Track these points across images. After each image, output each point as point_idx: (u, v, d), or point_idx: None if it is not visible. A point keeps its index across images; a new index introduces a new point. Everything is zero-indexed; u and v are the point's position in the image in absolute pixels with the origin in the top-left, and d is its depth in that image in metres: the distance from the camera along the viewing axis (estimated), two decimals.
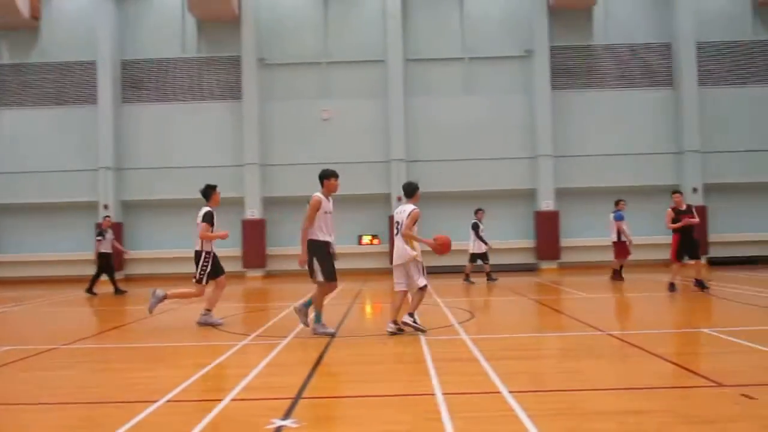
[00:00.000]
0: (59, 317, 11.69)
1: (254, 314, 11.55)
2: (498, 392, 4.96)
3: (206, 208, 9.13)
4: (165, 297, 9.15)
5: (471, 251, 15.66)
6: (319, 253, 7.79)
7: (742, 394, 4.70)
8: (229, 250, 21.03)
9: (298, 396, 5.00)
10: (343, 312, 10.62)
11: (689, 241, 12.07)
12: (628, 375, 5.66)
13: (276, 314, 10.46)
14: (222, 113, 21.66)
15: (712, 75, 21.35)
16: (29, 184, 21.38)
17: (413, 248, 7.76)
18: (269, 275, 21.18)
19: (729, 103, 21.14)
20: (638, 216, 18.04)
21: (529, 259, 20.81)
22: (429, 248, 7.86)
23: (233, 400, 4.94)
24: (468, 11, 21.56)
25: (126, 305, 13.19)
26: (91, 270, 15.58)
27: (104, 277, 15.26)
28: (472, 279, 15.88)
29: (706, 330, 7.75)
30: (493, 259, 19.57)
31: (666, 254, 20.39)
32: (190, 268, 9.25)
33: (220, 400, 4.88)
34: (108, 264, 15.12)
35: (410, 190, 8.07)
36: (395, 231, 7.99)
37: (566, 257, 20.65)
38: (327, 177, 8.06)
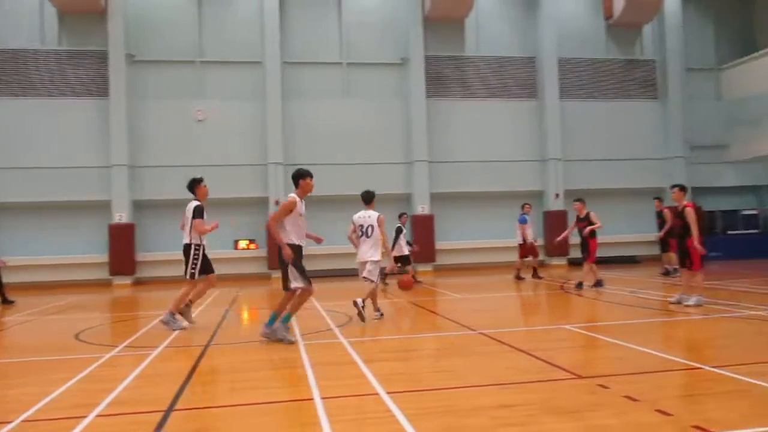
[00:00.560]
0: None
1: (122, 324, 10.92)
2: (376, 394, 5.03)
3: (195, 203, 9.00)
4: (173, 313, 8.97)
5: (393, 254, 15.85)
6: (297, 258, 7.48)
7: (599, 385, 5.10)
8: (94, 256, 19.85)
9: (170, 408, 4.80)
10: (218, 319, 10.32)
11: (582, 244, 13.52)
12: (499, 371, 5.95)
13: (146, 323, 9.96)
14: (87, 111, 20.28)
15: (572, 88, 22.98)
16: None
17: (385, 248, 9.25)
18: (139, 282, 20.11)
19: (586, 114, 22.84)
20: (507, 220, 18.97)
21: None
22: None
23: (99, 416, 4.65)
24: (346, 18, 21.74)
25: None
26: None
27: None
28: (418, 278, 16.73)
29: (567, 326, 8.31)
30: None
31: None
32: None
33: (83, 417, 4.58)
34: None
35: (369, 198, 9.35)
36: (360, 234, 9.26)
37: (441, 260, 21.33)
38: (303, 177, 7.70)
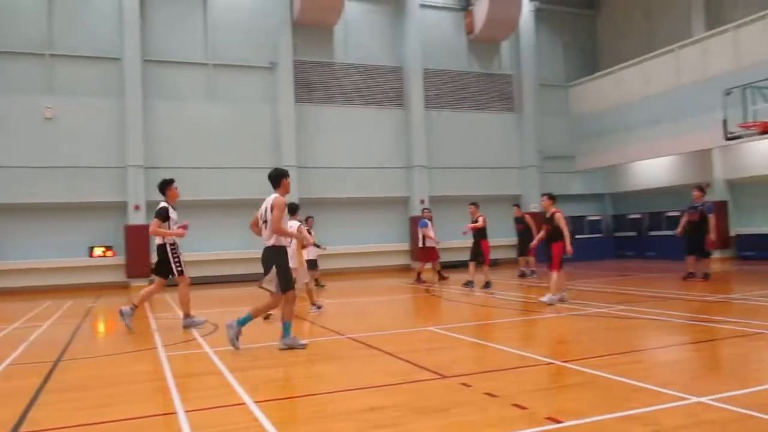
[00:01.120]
0: None
1: None
2: (243, 404, 4.92)
3: (162, 204, 8.98)
4: (187, 315, 9.05)
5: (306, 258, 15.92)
6: (284, 261, 7.31)
7: (462, 383, 5.32)
8: None
9: (15, 431, 4.40)
10: (72, 331, 9.59)
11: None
12: (368, 374, 6.02)
13: None
14: None
15: (436, 98, 23.87)
16: None
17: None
18: None
19: (449, 124, 23.81)
20: (378, 226, 19.27)
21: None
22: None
23: None
24: (212, 17, 21.07)
25: None
26: None
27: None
28: (322, 283, 16.55)
29: (432, 328, 8.59)
30: (232, 270, 19.67)
31: (392, 261, 22.35)
32: None
33: None
34: None
35: (294, 209, 9.97)
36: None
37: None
38: (285, 176, 7.54)
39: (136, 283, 18.72)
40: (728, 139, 15.93)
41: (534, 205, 23.53)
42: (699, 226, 13.72)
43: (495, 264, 22.90)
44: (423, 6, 23.49)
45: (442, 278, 16.70)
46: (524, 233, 16.62)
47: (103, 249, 19.29)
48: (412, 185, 22.85)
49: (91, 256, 19.10)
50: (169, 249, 9.02)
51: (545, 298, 10.62)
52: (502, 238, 21.81)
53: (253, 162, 20.70)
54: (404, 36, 23.19)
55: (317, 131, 21.94)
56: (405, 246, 22.69)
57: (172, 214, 9.17)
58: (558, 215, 10.85)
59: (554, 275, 10.75)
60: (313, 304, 10.92)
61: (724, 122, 15.65)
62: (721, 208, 20.56)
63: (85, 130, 19.32)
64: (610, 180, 25.98)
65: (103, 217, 19.26)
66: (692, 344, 7.02)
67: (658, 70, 21.01)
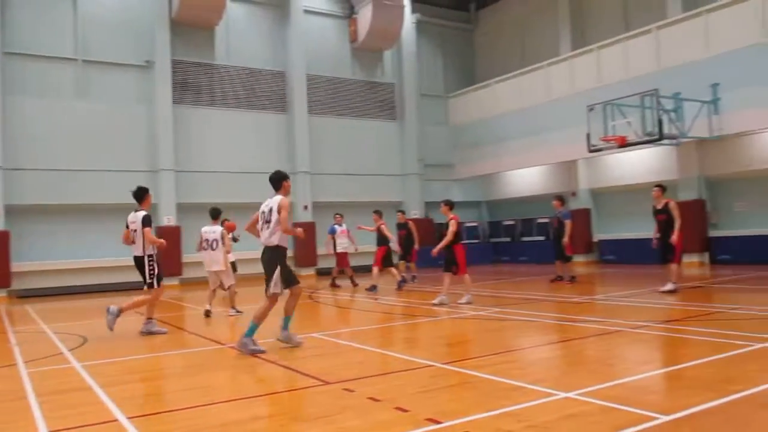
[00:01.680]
0: None
1: None
2: (115, 420, 4.65)
3: (143, 212, 8.97)
4: (121, 311, 8.84)
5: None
6: (284, 260, 7.45)
7: (345, 389, 5.33)
8: None
9: None
10: None
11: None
12: (249, 384, 5.89)
13: None
14: None
15: (320, 105, 23.85)
16: None
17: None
18: None
19: (333, 130, 23.88)
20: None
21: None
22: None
23: None
24: (83, 10, 19.75)
25: None
26: None
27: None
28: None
29: (315, 334, 8.55)
30: (108, 278, 18.61)
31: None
32: None
33: None
34: None
35: (215, 213, 11.44)
36: (206, 247, 11.28)
37: (188, 273, 20.42)
38: (286, 179, 7.69)
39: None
40: (591, 151, 17.19)
41: (414, 211, 24.15)
42: (558, 232, 14.80)
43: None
44: (307, 11, 23.44)
45: (354, 284, 16.70)
46: (407, 239, 16.93)
47: None
48: (296, 191, 22.62)
49: None
50: (147, 261, 8.97)
51: (462, 300, 11.16)
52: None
53: (128, 165, 19.70)
54: (288, 41, 23.01)
55: (198, 134, 21.22)
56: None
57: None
58: (452, 221, 11.27)
59: (466, 278, 11.43)
60: (233, 307, 11.26)
61: (588, 136, 16.86)
62: (585, 215, 22.12)
63: None
64: (486, 188, 27.16)
65: None
66: (561, 343, 7.48)
67: (530, 85, 22.28)
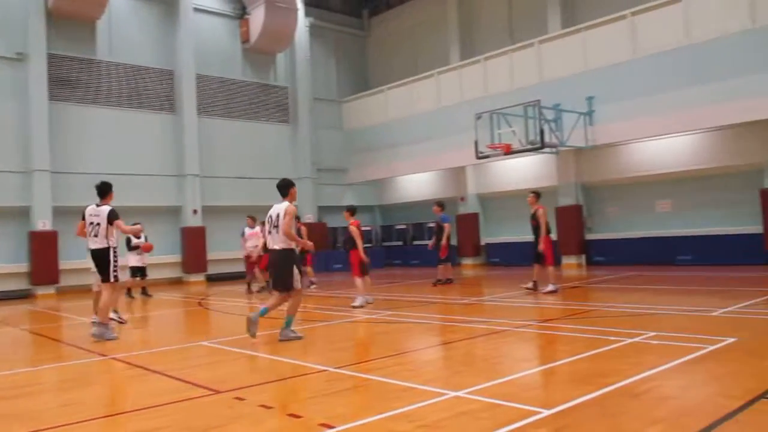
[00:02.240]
0: None
1: None
2: None
3: (108, 207, 8.99)
4: (105, 324, 8.76)
5: (129, 265, 15.21)
6: (292, 262, 7.88)
7: (236, 398, 5.21)
8: None
9: None
10: None
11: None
12: (133, 397, 5.62)
13: None
14: None
15: (210, 106, 23.18)
16: None
17: None
18: None
19: (223, 132, 23.28)
20: (152, 236, 17.89)
21: (22, 285, 18.58)
22: None
23: None
24: None
25: None
26: None
27: None
28: (149, 292, 16.41)
29: (205, 342, 8.30)
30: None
31: (163, 274, 21.21)
32: None
33: None
34: None
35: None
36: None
37: (66, 281, 19.15)
38: (292, 186, 8.11)
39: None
40: (479, 158, 17.85)
41: (308, 215, 24.02)
42: (438, 235, 15.38)
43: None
44: (197, 10, 22.76)
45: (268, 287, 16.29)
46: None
47: None
48: (185, 194, 21.88)
49: None
50: (112, 254, 8.93)
51: (356, 302, 11.29)
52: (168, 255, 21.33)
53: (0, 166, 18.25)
54: (176, 38, 22.22)
55: (77, 134, 20.01)
56: (177, 258, 21.65)
57: None
58: (352, 227, 11.64)
59: (357, 281, 11.56)
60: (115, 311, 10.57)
61: (476, 143, 17.51)
62: (473, 219, 22.94)
63: None
64: (379, 192, 27.52)
65: None
66: (450, 343, 7.70)
67: (421, 92, 22.84)
